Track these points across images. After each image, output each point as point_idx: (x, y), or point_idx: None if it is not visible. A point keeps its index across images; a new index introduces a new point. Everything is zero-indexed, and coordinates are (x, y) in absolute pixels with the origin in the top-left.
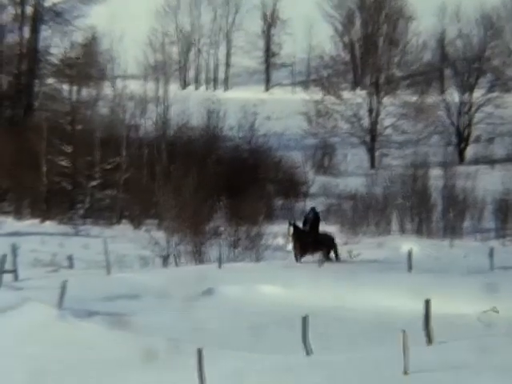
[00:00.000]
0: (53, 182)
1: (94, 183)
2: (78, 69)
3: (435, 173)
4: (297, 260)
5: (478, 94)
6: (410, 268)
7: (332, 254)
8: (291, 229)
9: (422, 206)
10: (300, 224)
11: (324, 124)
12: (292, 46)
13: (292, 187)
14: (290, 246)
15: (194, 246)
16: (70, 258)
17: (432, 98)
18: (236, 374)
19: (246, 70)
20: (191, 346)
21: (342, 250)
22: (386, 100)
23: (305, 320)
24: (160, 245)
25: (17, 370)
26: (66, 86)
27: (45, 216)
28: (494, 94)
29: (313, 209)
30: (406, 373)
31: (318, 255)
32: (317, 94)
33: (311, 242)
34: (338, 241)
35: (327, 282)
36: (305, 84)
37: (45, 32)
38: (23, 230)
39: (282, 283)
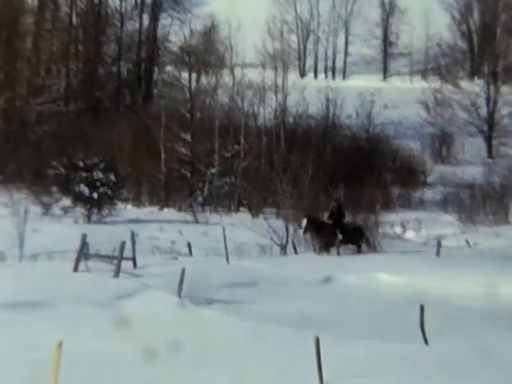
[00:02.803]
0: (172, 169)
1: (212, 171)
2: (197, 57)
3: None
4: (316, 252)
5: None
6: None
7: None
8: (305, 220)
9: None
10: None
11: (442, 113)
12: (409, 36)
13: (409, 176)
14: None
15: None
16: (188, 246)
17: None
18: (353, 362)
19: (364, 58)
20: (310, 332)
21: (460, 239)
22: (503, 89)
23: (422, 309)
24: (278, 233)
25: (136, 356)
26: (185, 74)
27: (163, 203)
28: None
29: (336, 200)
30: None
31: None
32: (434, 83)
33: (333, 233)
34: (451, 230)
35: (445, 271)
36: (422, 73)
37: (164, 20)
38: (142, 217)
39: (399, 272)
